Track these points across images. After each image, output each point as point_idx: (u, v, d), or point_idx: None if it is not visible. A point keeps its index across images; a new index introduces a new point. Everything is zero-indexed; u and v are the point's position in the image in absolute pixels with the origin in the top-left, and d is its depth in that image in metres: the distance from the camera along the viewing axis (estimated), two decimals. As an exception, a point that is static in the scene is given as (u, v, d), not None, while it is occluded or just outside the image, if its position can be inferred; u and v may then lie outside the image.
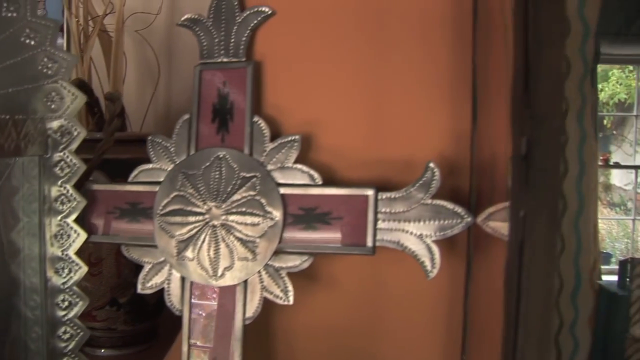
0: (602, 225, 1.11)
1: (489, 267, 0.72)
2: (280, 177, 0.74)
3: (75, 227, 0.77)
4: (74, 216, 0.77)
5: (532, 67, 0.46)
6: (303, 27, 0.77)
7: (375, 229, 0.71)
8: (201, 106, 0.77)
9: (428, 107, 0.75)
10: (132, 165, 0.82)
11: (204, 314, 0.75)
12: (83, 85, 1.07)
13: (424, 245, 0.69)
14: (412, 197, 0.70)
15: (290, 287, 0.72)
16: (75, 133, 0.77)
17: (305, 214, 0.73)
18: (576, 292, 0.74)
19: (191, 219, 0.75)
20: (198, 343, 0.75)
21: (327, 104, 0.77)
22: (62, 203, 0.77)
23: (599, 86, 1.02)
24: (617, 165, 1.47)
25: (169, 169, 0.77)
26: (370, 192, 0.71)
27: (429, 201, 0.70)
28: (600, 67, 0.84)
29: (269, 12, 0.77)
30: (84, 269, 0.77)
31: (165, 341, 0.90)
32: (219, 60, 0.78)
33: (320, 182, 0.73)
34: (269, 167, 0.74)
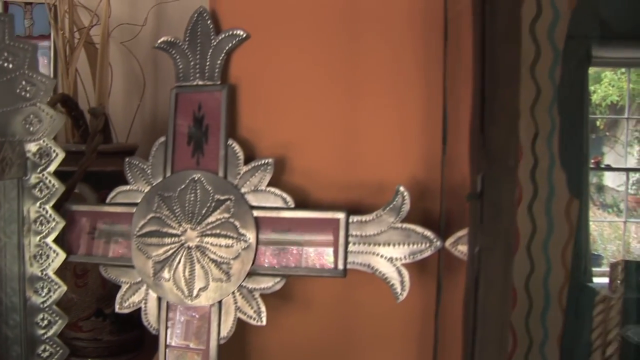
0: (593, 227, 1.13)
1: (458, 289, 0.74)
2: (253, 200, 0.75)
3: (54, 247, 0.78)
4: (53, 236, 0.78)
5: (487, 107, 0.47)
6: (277, 51, 0.78)
7: (346, 252, 0.72)
8: (177, 129, 0.78)
9: (400, 130, 0.76)
10: (117, 177, 0.83)
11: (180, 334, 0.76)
12: (67, 100, 1.08)
13: (394, 268, 0.71)
14: (382, 221, 0.71)
15: (263, 309, 0.74)
16: (54, 155, 0.78)
17: (278, 236, 0.74)
18: (545, 312, 0.75)
19: (167, 240, 0.77)
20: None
21: (301, 126, 0.78)
22: (41, 224, 0.78)
23: (592, 88, 1.03)
24: (609, 168, 1.48)
25: (146, 190, 0.78)
26: (341, 216, 0.72)
27: (399, 225, 0.71)
28: (592, 70, 0.85)
29: (244, 36, 0.78)
30: (63, 288, 0.78)
31: (151, 350, 0.92)
32: (195, 83, 0.79)
33: (292, 206, 0.74)
34: (243, 190, 0.75)
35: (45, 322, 0.78)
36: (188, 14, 0.82)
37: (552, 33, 0.74)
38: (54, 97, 1.07)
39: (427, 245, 0.70)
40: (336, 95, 0.77)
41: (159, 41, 0.81)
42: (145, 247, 0.77)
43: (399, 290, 0.70)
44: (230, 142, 0.76)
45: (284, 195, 0.74)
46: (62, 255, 0.78)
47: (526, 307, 0.75)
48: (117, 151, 1.09)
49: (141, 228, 0.77)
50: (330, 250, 0.72)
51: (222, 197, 0.75)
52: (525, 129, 0.74)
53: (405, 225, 0.71)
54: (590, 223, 0.87)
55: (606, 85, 1.27)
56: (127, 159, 0.80)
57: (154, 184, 0.78)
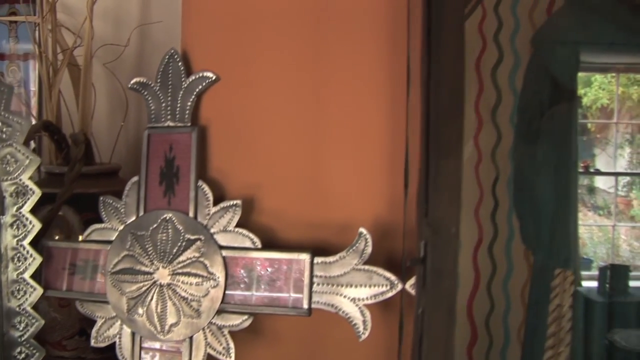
0: (583, 230, 1.15)
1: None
2: (222, 240, 0.78)
3: (32, 282, 0.81)
4: (30, 272, 0.81)
5: (431, 178, 0.49)
6: (247, 93, 0.80)
7: (310, 292, 0.75)
8: (149, 169, 0.81)
9: (365, 172, 0.79)
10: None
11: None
12: (49, 126, 1.11)
13: (356, 308, 0.74)
14: (345, 263, 0.74)
15: (231, 345, 0.77)
16: (30, 193, 0.81)
17: (246, 275, 0.77)
18: (505, 349, 0.78)
19: (140, 277, 0.79)
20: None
21: (269, 168, 0.80)
22: (19, 260, 0.81)
23: (583, 91, 1.05)
24: (598, 172, 1.49)
25: (120, 229, 0.81)
26: (306, 257, 0.75)
27: (362, 267, 0.74)
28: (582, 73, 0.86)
29: (213, 78, 0.80)
30: (41, 322, 0.81)
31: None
32: (166, 124, 0.81)
33: (259, 246, 0.77)
34: (213, 230, 0.78)
35: (23, 355, 0.81)
36: (171, 35, 0.84)
37: (513, 79, 0.76)
38: (36, 125, 1.10)
39: (389, 287, 0.72)
40: (303, 138, 0.79)
41: (132, 82, 0.83)
42: (120, 284, 0.80)
43: (361, 329, 0.73)
44: (200, 183, 0.79)
45: (252, 236, 0.77)
46: (40, 291, 0.81)
47: (486, 344, 0.78)
48: (99, 173, 1.12)
49: (115, 265, 0.80)
50: (296, 289, 0.74)
51: (193, 237, 0.78)
52: (486, 172, 0.76)
53: (367, 267, 0.73)
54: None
55: (596, 88, 1.29)
56: (101, 198, 0.82)
57: (127, 223, 0.81)
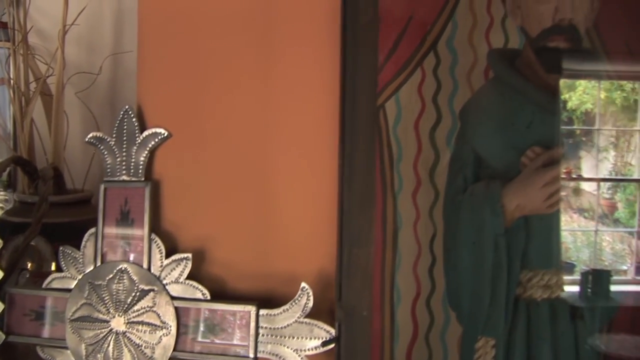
0: (567, 234, 1.18)
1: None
2: (174, 291, 0.82)
3: (-5, 328, 0.85)
4: (-6, 318, 0.85)
5: (343, 264, 0.53)
6: (197, 148, 0.84)
7: (256, 342, 0.79)
8: (106, 221, 0.85)
9: (311, 225, 0.83)
10: (72, 228, 0.90)
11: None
12: (19, 160, 1.15)
13: (299, 358, 0.78)
14: (289, 316, 0.78)
15: (183, 390, 0.81)
16: (-7, 243, 0.85)
17: (196, 325, 0.81)
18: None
19: (97, 325, 0.84)
20: None
21: (220, 220, 0.84)
22: (-17, 306, 0.85)
23: (568, 95, 1.08)
24: (580, 178, 1.52)
25: (78, 278, 0.85)
26: (252, 309, 0.79)
27: (304, 320, 0.78)
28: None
29: (165, 135, 0.84)
30: (5, 365, 0.86)
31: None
32: (121, 179, 0.85)
33: (209, 297, 0.81)
34: (165, 281, 0.82)
35: (-11, 397, 0.86)
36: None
37: (450, 139, 0.79)
38: (7, 160, 1.13)
39: (329, 340, 0.76)
40: (252, 192, 0.83)
41: (89, 136, 0.86)
42: (78, 331, 0.84)
43: (304, 378, 0.77)
44: (153, 236, 0.82)
45: (201, 288, 0.81)
46: (2, 336, 0.85)
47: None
48: (71, 202, 1.16)
49: (74, 313, 0.84)
50: (243, 339, 0.79)
51: (146, 288, 0.82)
52: (424, 228, 0.80)
53: (309, 320, 0.77)
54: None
55: (580, 93, 1.31)
56: (61, 248, 0.86)
57: (85, 272, 0.85)
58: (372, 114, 0.57)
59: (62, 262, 0.86)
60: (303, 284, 0.77)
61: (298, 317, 0.78)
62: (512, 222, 0.66)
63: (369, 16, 0.56)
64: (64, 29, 1.25)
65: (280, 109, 0.81)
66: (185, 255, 0.81)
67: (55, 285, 0.87)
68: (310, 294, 0.77)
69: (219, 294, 0.82)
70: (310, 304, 0.77)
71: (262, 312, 0.79)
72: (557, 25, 0.64)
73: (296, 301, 0.78)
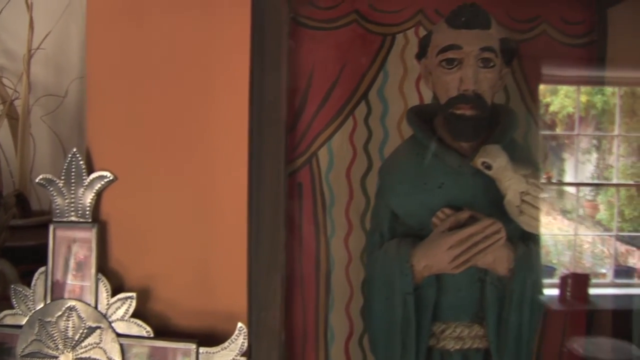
0: (547, 238, 1.22)
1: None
2: (120, 329, 0.86)
3: (-48, 362, 0.90)
4: (-50, 352, 0.90)
5: (252, 326, 0.58)
6: (143, 191, 0.88)
7: (197, 378, 0.83)
8: (55, 260, 0.88)
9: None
10: (37, 251, 0.94)
11: None
12: (-17, 188, 1.18)
13: (236, 394, 0.82)
14: (226, 354, 0.82)
15: (128, 423, 0.85)
16: (-52, 281, 0.88)
17: (141, 361, 0.85)
18: None
19: (47, 360, 0.88)
20: None
21: (164, 260, 0.88)
22: (-60, 341, 0.89)
23: (549, 99, 1.11)
24: (560, 183, 1.55)
25: (29, 315, 0.89)
26: (192, 347, 0.83)
27: (240, 358, 0.82)
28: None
29: (111, 178, 0.87)
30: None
31: None
32: (70, 219, 0.88)
33: (152, 335, 0.85)
34: (111, 319, 0.86)
35: None
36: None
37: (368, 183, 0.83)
38: (-30, 189, 1.16)
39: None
40: (195, 233, 0.86)
41: (39, 178, 0.90)
42: (29, 365, 0.88)
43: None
44: (100, 276, 0.86)
45: (145, 326, 0.85)
46: (-42, 371, 0.89)
47: None
48: (36, 225, 1.20)
49: (24, 349, 0.88)
50: (184, 376, 0.83)
51: (94, 325, 0.86)
52: (356, 271, 0.84)
53: (244, 359, 0.81)
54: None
55: (562, 97, 1.34)
56: (12, 286, 0.90)
57: (36, 310, 0.89)
58: (277, 187, 0.60)
59: (14, 300, 0.90)
60: (240, 324, 0.81)
61: (235, 356, 0.82)
62: (422, 279, 0.69)
63: (274, 95, 0.59)
64: (29, 53, 1.28)
65: (217, 161, 0.84)
66: (130, 294, 0.85)
67: (7, 321, 0.91)
68: (246, 333, 0.80)
69: (163, 331, 0.86)
70: (246, 343, 0.81)
71: (202, 349, 0.83)
72: (462, 94, 0.67)
73: (233, 340, 0.81)
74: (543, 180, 1.03)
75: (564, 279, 1.01)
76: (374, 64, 0.85)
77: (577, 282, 1.03)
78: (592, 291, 1.00)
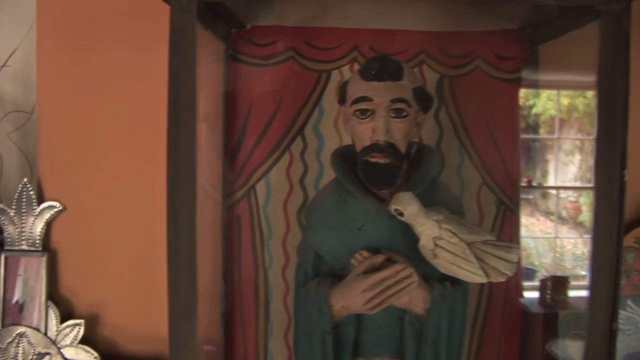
0: (528, 241, 1.24)
1: None
2: (68, 354, 0.89)
3: None
4: None
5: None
6: (92, 220, 0.91)
7: (142, 402, 0.87)
8: (7, 287, 0.92)
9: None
10: None
11: None
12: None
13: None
14: (170, 380, 0.86)
15: None
16: None
17: (89, 385, 0.89)
18: None
19: (0, 384, 0.91)
20: None
21: (112, 286, 0.91)
22: None
23: (532, 102, 1.13)
24: (540, 187, 1.57)
25: (-17, 340, 0.93)
26: (138, 373, 0.87)
27: (183, 385, 0.85)
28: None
29: (60, 208, 0.90)
30: None
31: None
32: (20, 248, 0.92)
33: (99, 360, 0.89)
34: (60, 345, 0.89)
35: None
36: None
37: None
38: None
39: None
40: (141, 260, 0.90)
41: (-9, 207, 0.93)
42: (-17, 388, 0.92)
43: None
44: (49, 302, 0.90)
45: (92, 351, 0.88)
46: None
47: None
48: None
49: (-22, 373, 0.92)
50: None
51: (43, 351, 0.90)
52: (293, 301, 0.86)
53: (187, 384, 0.85)
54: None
55: (544, 100, 1.36)
56: (-34, 313, 0.93)
57: (-12, 335, 0.92)
58: (191, 236, 0.63)
59: (-32, 325, 0.93)
60: None
61: (178, 382, 0.85)
62: (341, 318, 0.72)
63: (188, 147, 0.62)
64: (-5, 70, 1.30)
65: (162, 193, 0.87)
66: (78, 321, 0.89)
67: (-39, 346, 0.94)
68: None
69: (112, 356, 0.90)
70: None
71: (147, 375, 0.86)
72: (375, 144, 0.69)
73: (176, 367, 0.85)
74: (523, 184, 1.05)
75: (543, 282, 1.03)
76: (310, 99, 0.87)
77: (556, 285, 1.04)
78: (572, 293, 1.03)
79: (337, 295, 0.72)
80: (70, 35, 0.91)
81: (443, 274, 0.72)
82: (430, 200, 0.73)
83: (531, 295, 1.01)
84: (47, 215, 0.91)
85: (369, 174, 0.72)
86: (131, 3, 0.88)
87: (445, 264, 0.70)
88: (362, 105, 0.71)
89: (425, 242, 0.70)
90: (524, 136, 0.98)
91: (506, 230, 0.91)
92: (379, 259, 0.71)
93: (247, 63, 0.88)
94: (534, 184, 1.49)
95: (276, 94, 0.87)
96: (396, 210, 0.70)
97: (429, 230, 0.70)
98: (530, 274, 1.18)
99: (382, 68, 0.70)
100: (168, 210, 0.64)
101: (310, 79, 0.86)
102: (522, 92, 0.89)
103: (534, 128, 1.13)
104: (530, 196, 1.27)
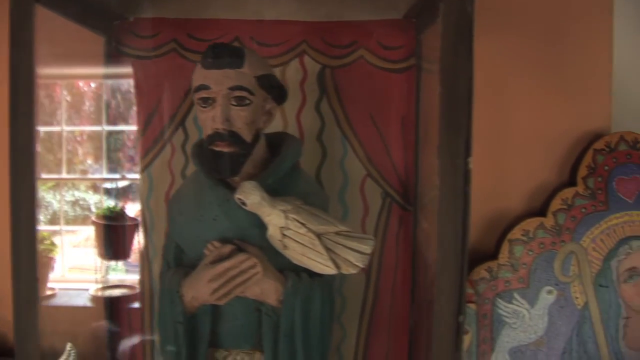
0: None
1: None
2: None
3: None
4: None
5: None
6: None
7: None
8: None
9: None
10: None
11: None
12: None
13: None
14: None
15: None
16: None
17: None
18: None
19: None
20: None
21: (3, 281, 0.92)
22: None
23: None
24: None
25: None
26: (26, 365, 0.87)
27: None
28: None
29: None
30: None
31: None
32: None
33: (-8, 354, 0.89)
34: None
35: None
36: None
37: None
38: None
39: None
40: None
41: None
42: None
43: None
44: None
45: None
46: None
47: None
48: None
49: None
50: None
51: None
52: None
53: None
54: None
55: None
56: None
57: None
58: (32, 229, 0.64)
59: None
60: (68, 344, 0.84)
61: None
62: (194, 308, 0.71)
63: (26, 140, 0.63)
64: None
65: None
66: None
67: None
68: (73, 353, 0.84)
69: (4, 351, 0.90)
70: (73, 362, 0.84)
71: (35, 368, 0.86)
72: (216, 132, 0.68)
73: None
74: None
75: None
76: (190, 91, 0.87)
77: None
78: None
79: (187, 286, 0.72)
80: None
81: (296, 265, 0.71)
82: (289, 191, 0.73)
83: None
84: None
85: (211, 162, 0.72)
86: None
87: (295, 254, 0.70)
88: (203, 94, 0.71)
89: (273, 232, 0.69)
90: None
91: (392, 223, 0.89)
92: (227, 249, 0.71)
93: (130, 55, 0.88)
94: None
95: (158, 86, 0.87)
96: (239, 199, 0.69)
97: (275, 220, 0.69)
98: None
99: (219, 56, 0.69)
100: (10, 203, 0.64)
101: (192, 71, 0.86)
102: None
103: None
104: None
